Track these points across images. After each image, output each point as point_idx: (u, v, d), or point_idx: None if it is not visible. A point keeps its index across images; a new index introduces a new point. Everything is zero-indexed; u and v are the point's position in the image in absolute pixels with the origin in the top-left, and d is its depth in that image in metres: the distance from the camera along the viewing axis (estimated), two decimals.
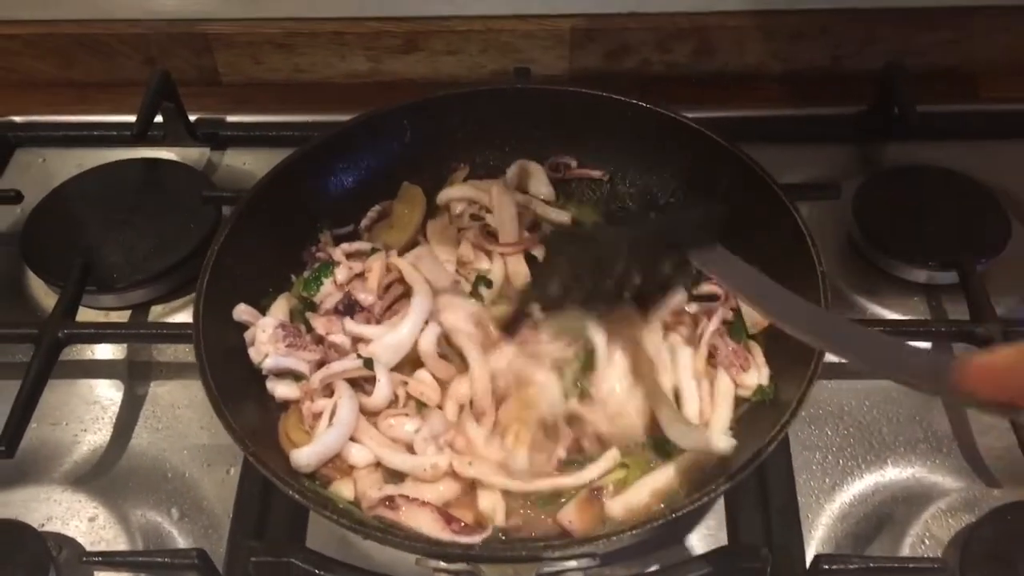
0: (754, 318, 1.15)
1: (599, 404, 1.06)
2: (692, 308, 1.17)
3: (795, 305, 0.90)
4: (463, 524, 0.96)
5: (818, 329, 0.87)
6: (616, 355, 1.08)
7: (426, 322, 1.13)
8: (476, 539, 0.94)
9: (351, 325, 1.13)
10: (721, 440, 1.03)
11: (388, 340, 1.10)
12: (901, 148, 1.49)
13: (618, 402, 1.05)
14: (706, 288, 1.20)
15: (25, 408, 1.12)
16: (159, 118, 1.52)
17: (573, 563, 0.85)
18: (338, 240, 1.28)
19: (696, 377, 1.10)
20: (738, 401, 1.09)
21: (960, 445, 1.16)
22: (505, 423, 1.04)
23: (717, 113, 1.53)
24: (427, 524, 0.95)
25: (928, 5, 1.56)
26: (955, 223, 1.32)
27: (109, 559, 1.00)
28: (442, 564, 0.88)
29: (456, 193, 1.32)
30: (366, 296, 1.16)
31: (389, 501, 0.99)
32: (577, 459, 1.05)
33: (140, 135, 1.45)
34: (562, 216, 1.32)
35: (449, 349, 1.14)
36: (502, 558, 0.89)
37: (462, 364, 1.11)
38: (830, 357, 1.19)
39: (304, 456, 1.02)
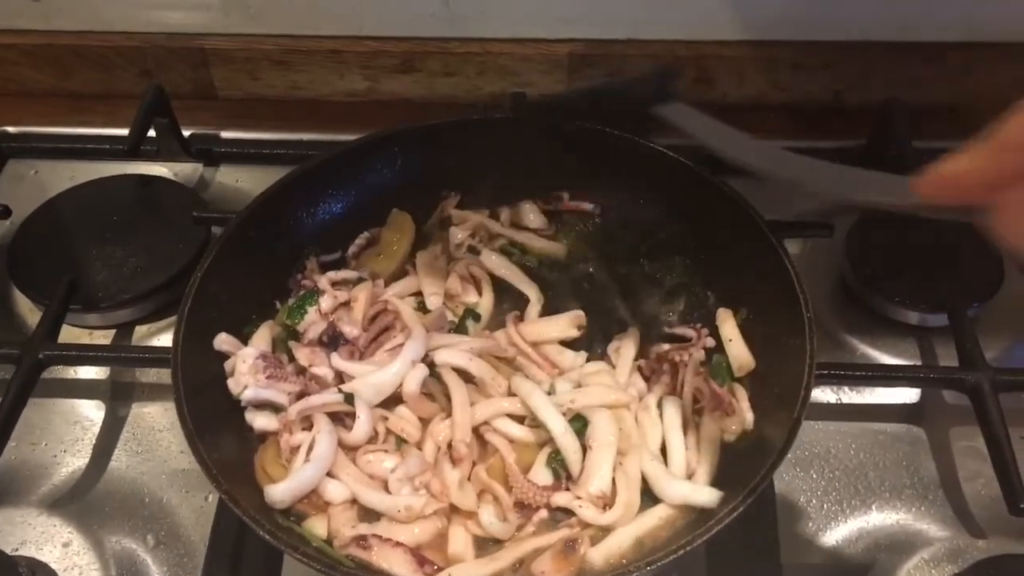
0: (740, 361, 1.14)
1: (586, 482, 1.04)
2: (664, 347, 1.17)
3: (761, 148, 0.96)
4: (435, 567, 0.94)
5: (783, 168, 0.92)
6: (603, 423, 1.07)
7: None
8: None
9: (337, 361, 1.12)
10: (707, 493, 1.02)
11: (373, 379, 1.09)
12: None
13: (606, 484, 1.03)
14: (679, 330, 1.20)
15: (2, 430, 1.11)
16: (153, 132, 1.52)
17: None
18: (325, 267, 1.27)
19: (682, 427, 1.08)
20: (722, 445, 1.08)
21: (946, 492, 1.14)
22: (485, 482, 1.02)
23: None
24: (399, 565, 0.94)
25: (930, 40, 1.55)
26: (948, 265, 1.31)
27: None
28: None
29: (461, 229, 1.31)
30: (350, 328, 1.15)
31: (362, 541, 0.97)
32: (557, 516, 1.03)
33: (133, 150, 1.45)
34: (555, 248, 1.31)
35: (435, 386, 1.12)
36: None
37: (446, 403, 1.10)
38: (817, 397, 1.21)
39: (279, 492, 1.01)
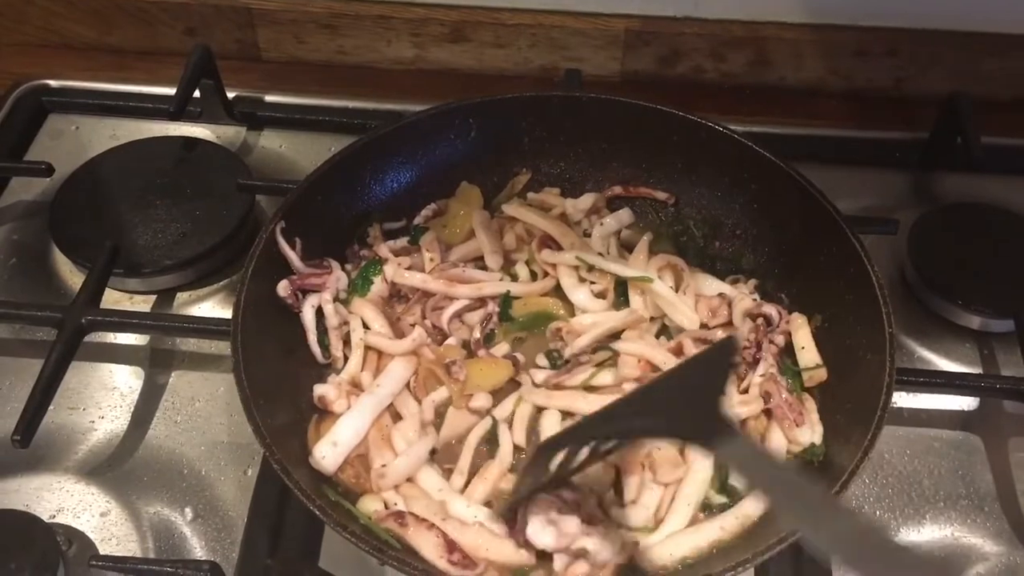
0: (812, 370, 1.10)
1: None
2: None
3: (825, 512, 0.76)
4: (463, 556, 0.93)
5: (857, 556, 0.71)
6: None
7: None
8: (469, 573, 0.91)
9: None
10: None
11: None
12: (962, 181, 1.43)
13: None
14: (763, 308, 1.16)
15: (43, 397, 1.09)
16: (196, 93, 1.49)
17: None
18: (389, 235, 1.26)
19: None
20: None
21: (1003, 505, 1.11)
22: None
23: (770, 128, 1.49)
24: (428, 548, 0.93)
25: (1000, 31, 1.50)
26: (1015, 268, 1.26)
27: (119, 565, 0.97)
28: None
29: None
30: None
31: (399, 517, 0.96)
32: None
33: (178, 112, 1.42)
34: None
35: None
36: None
37: None
38: None
39: (321, 448, 1.01)
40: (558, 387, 1.11)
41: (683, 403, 0.84)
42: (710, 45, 1.57)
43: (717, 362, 0.85)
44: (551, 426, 1.07)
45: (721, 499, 1.03)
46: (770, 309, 1.15)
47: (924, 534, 1.09)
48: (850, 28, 1.53)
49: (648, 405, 0.91)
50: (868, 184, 1.44)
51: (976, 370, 1.21)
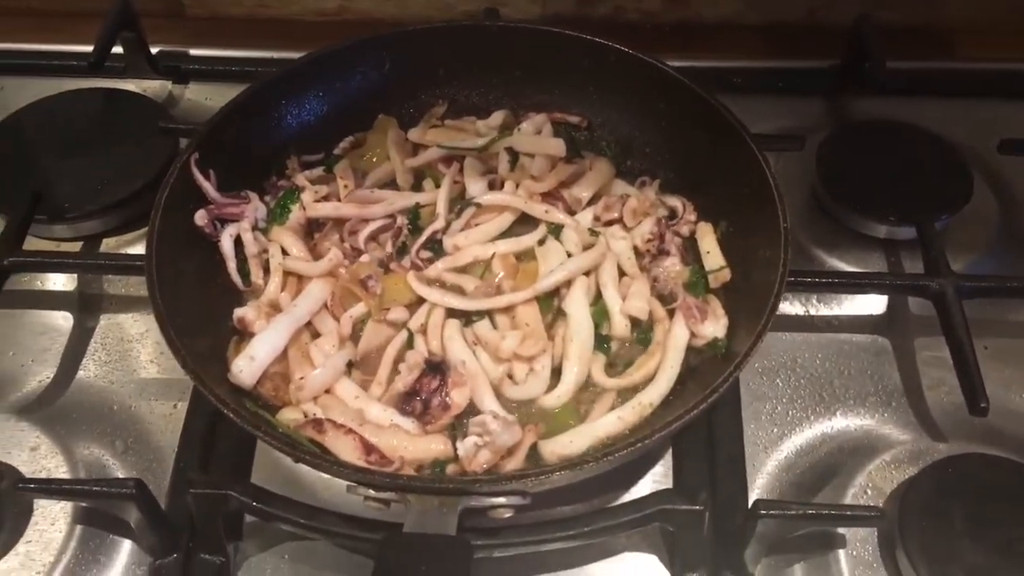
0: (717, 272, 1.14)
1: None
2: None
3: None
4: (381, 456, 0.95)
5: None
6: None
7: None
8: (387, 468, 0.94)
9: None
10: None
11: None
12: (871, 103, 1.48)
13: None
14: (668, 200, 1.22)
15: None
16: (120, 49, 1.49)
17: (502, 499, 0.85)
18: (306, 167, 1.27)
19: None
20: (692, 351, 1.09)
21: (909, 400, 1.16)
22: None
23: (690, 63, 1.50)
24: (346, 451, 0.95)
25: None
26: (918, 179, 1.31)
27: (45, 487, 0.99)
28: (371, 492, 0.87)
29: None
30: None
31: (317, 424, 0.98)
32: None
33: (97, 65, 1.42)
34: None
35: None
36: (428, 489, 0.87)
37: None
38: (786, 309, 1.21)
39: (240, 362, 1.03)
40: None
41: None
42: None
43: None
44: (453, 332, 1.10)
45: (611, 382, 1.07)
46: (674, 201, 1.21)
47: (835, 428, 1.13)
48: None
49: None
50: (784, 111, 1.48)
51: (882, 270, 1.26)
